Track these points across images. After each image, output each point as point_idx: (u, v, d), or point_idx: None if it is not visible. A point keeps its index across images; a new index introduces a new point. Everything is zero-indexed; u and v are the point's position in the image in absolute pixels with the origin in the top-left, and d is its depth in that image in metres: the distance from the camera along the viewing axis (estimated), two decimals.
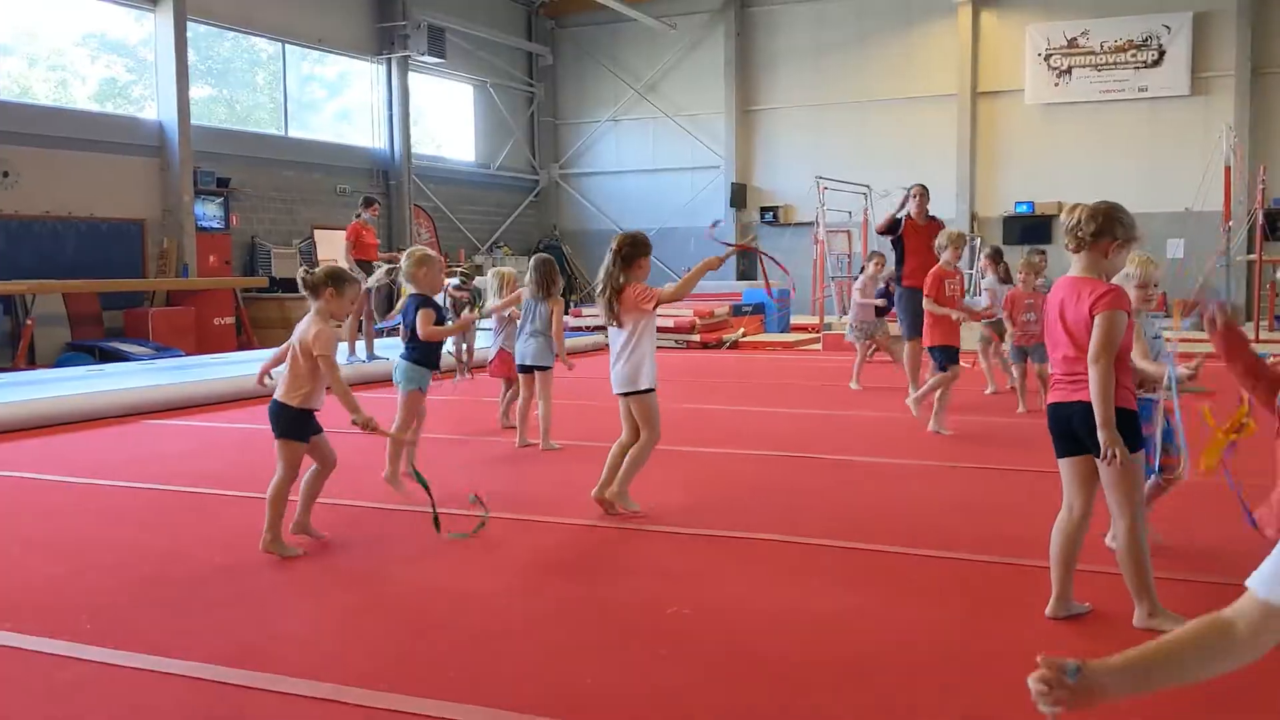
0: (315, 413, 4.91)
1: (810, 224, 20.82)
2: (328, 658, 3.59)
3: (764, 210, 24.30)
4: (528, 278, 7.55)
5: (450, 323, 6.43)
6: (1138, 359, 4.28)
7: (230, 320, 16.36)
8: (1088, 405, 3.59)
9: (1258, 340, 13.69)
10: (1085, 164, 21.54)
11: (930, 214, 9.39)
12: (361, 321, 12.14)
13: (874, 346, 11.35)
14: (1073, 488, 3.76)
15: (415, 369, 5.97)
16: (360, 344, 12.22)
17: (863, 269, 11.65)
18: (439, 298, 6.44)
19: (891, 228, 9.42)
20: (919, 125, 22.78)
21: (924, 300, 7.86)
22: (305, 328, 4.86)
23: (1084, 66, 21.49)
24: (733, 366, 13.63)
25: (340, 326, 11.07)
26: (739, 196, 24.29)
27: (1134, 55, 21.11)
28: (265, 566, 4.68)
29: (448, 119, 24.38)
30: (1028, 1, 21.90)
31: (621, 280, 5.26)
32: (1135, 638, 3.55)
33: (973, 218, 22.70)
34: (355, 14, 21.12)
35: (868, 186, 19.63)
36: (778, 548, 4.87)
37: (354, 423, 4.77)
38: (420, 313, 5.82)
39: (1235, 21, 20.30)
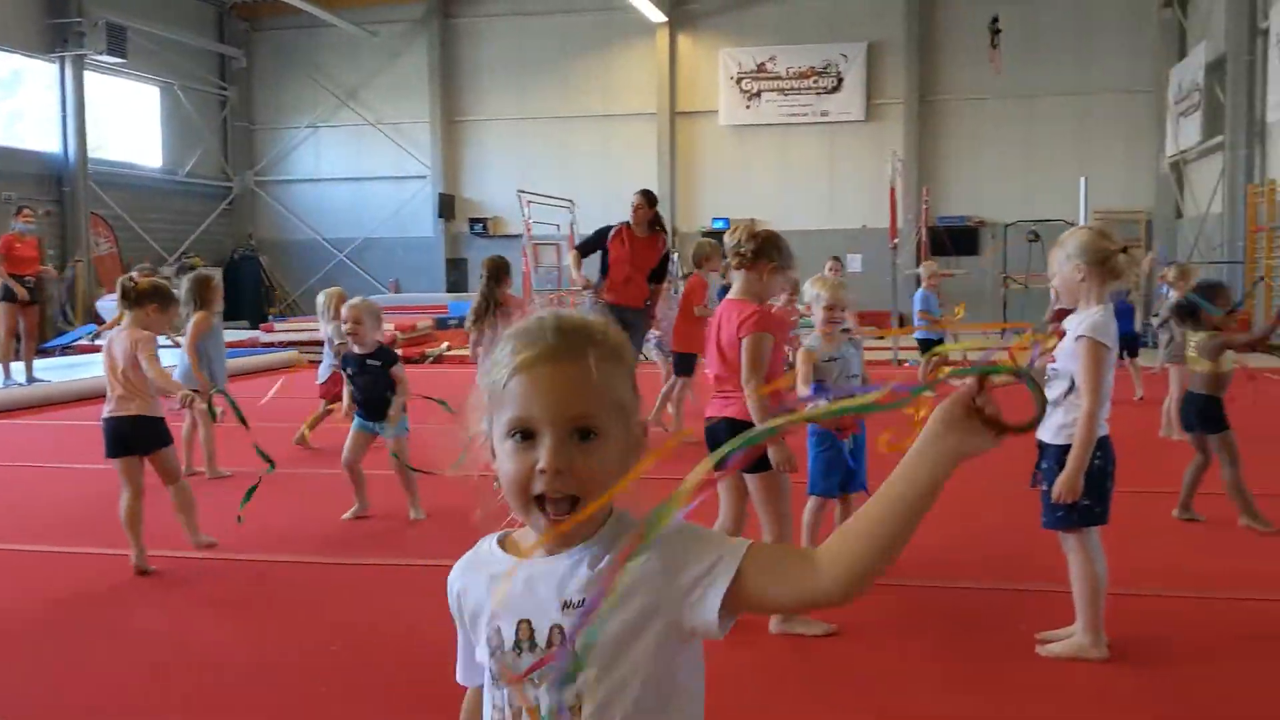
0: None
1: (519, 236, 20.94)
2: None
3: (473, 222, 24.19)
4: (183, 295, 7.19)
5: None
6: (799, 380, 4.50)
7: None
8: (732, 421, 3.74)
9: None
10: (774, 183, 22.78)
11: (657, 225, 8.41)
12: (19, 341, 11.08)
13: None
14: (722, 501, 3.92)
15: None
16: (18, 365, 11.15)
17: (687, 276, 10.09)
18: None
19: (592, 245, 8.52)
20: (622, 141, 23.35)
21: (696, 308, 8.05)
22: (125, 339, 4.80)
23: (772, 90, 22.70)
24: (439, 382, 13.36)
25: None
26: (447, 207, 24.07)
27: (816, 81, 22.51)
28: None
29: (131, 122, 22.81)
30: (721, 26, 22.91)
31: (499, 293, 6.89)
32: (771, 643, 3.76)
33: (674, 232, 23.47)
34: (23, 8, 19.43)
35: (571, 201, 19.94)
36: None
37: (179, 402, 4.97)
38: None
39: (904, 52, 22.02)
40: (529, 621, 1.25)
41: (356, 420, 5.78)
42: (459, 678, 1.44)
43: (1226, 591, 4.40)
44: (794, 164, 22.85)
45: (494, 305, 7.06)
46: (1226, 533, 5.28)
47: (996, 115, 21.76)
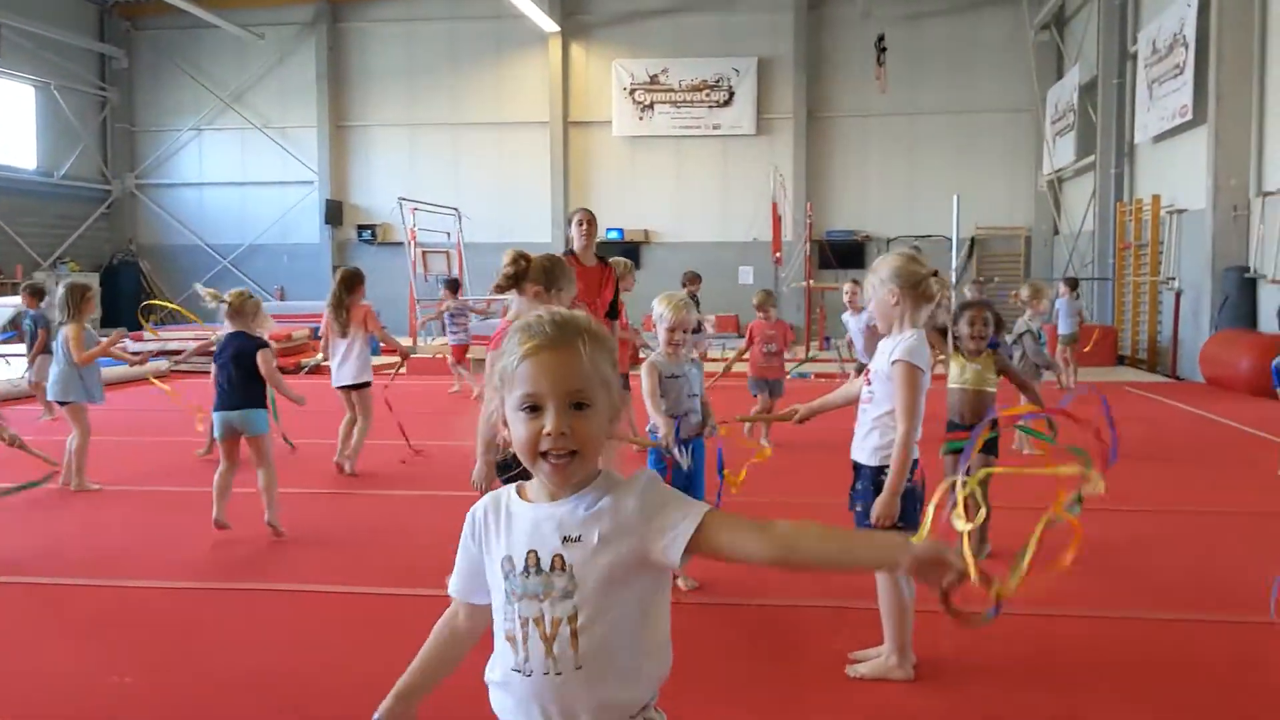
0: None
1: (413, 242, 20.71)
2: None
3: (361, 228, 23.84)
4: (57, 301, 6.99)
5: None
6: (648, 402, 4.46)
7: None
8: None
9: (808, 359, 15.00)
10: (668, 194, 22.88)
11: (600, 257, 6.78)
12: None
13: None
14: None
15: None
16: None
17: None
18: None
19: None
20: (514, 150, 23.23)
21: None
22: None
23: (665, 103, 22.80)
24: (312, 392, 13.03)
25: None
26: (334, 214, 23.67)
27: (708, 95, 22.67)
28: None
29: (4, 122, 21.97)
30: (613, 38, 22.93)
31: (348, 300, 7.30)
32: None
33: (567, 242, 23.36)
34: None
35: (456, 209, 19.78)
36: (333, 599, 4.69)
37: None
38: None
39: (794, 68, 22.30)
40: (535, 552, 1.60)
41: None
42: (450, 589, 1.77)
43: (1031, 608, 4.47)
44: (686, 176, 22.98)
45: (345, 313, 7.36)
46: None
47: (883, 132, 22.16)
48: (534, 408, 1.57)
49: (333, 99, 23.61)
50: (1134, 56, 16.83)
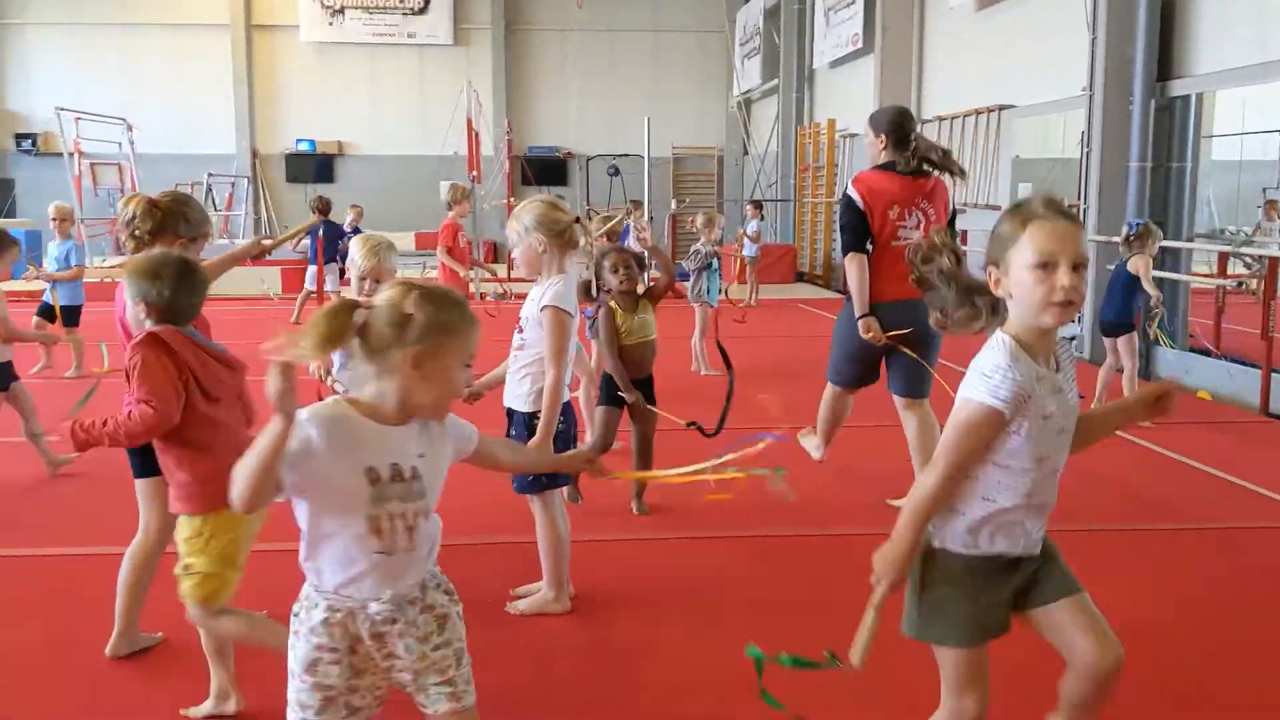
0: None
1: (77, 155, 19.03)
2: None
3: (20, 137, 21.66)
4: None
5: None
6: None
7: None
8: None
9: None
10: (363, 105, 22.09)
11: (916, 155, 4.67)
12: None
13: None
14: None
15: None
16: None
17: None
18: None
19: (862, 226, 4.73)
20: (192, 54, 21.68)
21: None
22: None
23: (356, 8, 21.87)
24: None
25: None
26: None
27: (401, 1, 21.91)
28: None
29: None
30: None
31: None
32: None
33: (254, 154, 22.23)
34: None
35: (124, 119, 18.33)
36: None
37: None
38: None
39: None
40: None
41: None
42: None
43: (675, 532, 4.71)
44: (382, 86, 22.24)
45: None
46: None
47: (582, 48, 22.21)
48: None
49: None
50: None
